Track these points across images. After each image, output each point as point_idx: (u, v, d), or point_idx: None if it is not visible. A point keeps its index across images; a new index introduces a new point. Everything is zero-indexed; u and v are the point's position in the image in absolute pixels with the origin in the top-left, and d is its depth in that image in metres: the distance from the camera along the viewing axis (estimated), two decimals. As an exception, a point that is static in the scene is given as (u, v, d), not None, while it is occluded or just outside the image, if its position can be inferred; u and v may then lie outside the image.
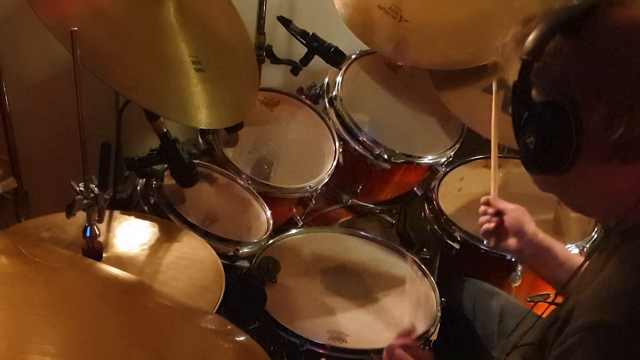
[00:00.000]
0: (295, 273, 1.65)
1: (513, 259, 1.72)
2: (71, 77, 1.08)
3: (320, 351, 1.44)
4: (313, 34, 1.97)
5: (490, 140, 1.58)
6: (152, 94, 1.47)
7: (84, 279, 0.92)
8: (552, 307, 1.12)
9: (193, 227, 1.51)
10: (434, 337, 1.55)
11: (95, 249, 1.24)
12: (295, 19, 2.02)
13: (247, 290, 1.50)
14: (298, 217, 1.92)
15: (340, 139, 1.95)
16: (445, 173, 1.99)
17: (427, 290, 1.66)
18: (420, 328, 1.50)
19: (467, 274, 1.74)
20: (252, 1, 2.06)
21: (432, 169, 2.04)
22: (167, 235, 1.41)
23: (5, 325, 0.72)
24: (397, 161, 1.97)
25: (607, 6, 0.90)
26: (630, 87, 0.87)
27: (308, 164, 1.90)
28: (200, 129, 1.81)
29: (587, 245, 1.76)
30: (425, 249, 1.99)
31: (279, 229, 1.81)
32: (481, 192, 1.94)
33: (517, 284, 1.73)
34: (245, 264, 1.58)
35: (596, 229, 1.80)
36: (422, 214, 1.95)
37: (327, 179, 1.87)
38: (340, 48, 1.94)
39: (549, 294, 1.44)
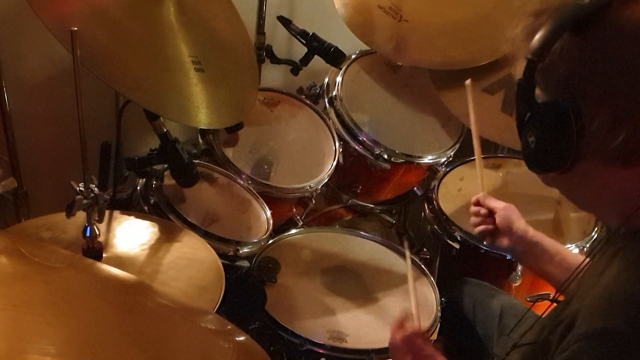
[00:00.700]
0: (295, 273, 1.65)
1: (513, 259, 1.72)
2: (71, 77, 1.08)
3: (320, 351, 1.44)
4: (313, 34, 1.97)
5: (489, 140, 1.58)
6: (152, 94, 1.47)
7: (84, 279, 0.92)
8: (552, 306, 1.12)
9: (193, 227, 1.51)
10: (434, 337, 1.55)
11: (95, 249, 1.24)
12: (295, 19, 2.02)
13: (247, 290, 1.50)
14: (298, 217, 1.92)
15: (340, 139, 1.95)
16: (445, 173, 1.99)
17: (427, 290, 1.66)
18: (422, 325, 1.50)
19: (467, 274, 1.74)
20: (252, 1, 2.06)
21: (432, 169, 2.04)
22: (167, 235, 1.40)
23: (5, 325, 0.72)
24: (397, 161, 1.97)
25: (620, 5, 0.88)
26: (635, 93, 0.86)
27: (308, 164, 1.90)
28: (200, 129, 1.81)
29: (587, 245, 1.76)
30: (425, 249, 1.99)
31: (279, 229, 1.81)
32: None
33: (517, 284, 1.73)
34: (245, 264, 1.58)
35: (596, 229, 1.80)
36: (422, 214, 1.95)
37: (327, 179, 1.87)
38: (340, 48, 1.94)
39: (549, 294, 1.44)
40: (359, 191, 2.07)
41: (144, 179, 1.60)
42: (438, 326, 1.57)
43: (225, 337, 0.95)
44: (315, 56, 1.97)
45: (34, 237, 1.29)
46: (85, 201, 1.18)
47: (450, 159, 2.05)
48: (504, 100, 1.91)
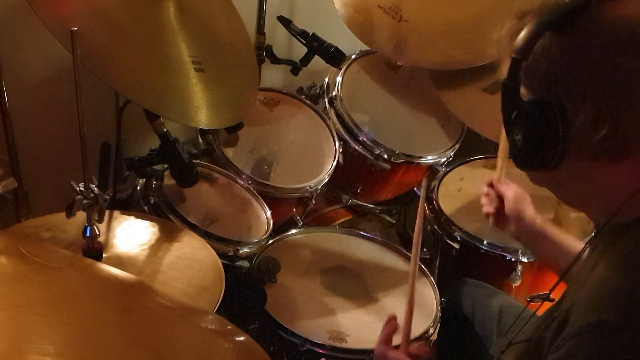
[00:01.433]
0: (295, 273, 1.65)
1: (513, 259, 1.72)
2: (71, 77, 1.08)
3: (320, 351, 1.44)
4: (313, 34, 1.97)
5: (489, 140, 1.57)
6: (152, 94, 1.47)
7: (84, 279, 0.92)
8: (547, 304, 1.12)
9: (193, 227, 1.51)
10: (434, 337, 1.55)
11: (95, 249, 1.24)
12: (295, 19, 2.02)
13: (247, 290, 1.50)
14: (298, 217, 1.92)
15: (340, 139, 1.95)
16: (445, 173, 1.99)
17: (427, 290, 1.66)
18: (421, 327, 1.50)
19: (467, 274, 1.74)
20: (252, 1, 2.06)
21: (432, 169, 2.04)
22: (167, 235, 1.40)
23: (5, 325, 0.72)
24: (397, 161, 1.97)
25: (599, 4, 0.88)
26: (616, 88, 0.86)
27: (308, 164, 1.90)
28: (200, 129, 1.81)
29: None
30: (425, 249, 1.99)
31: (279, 229, 1.81)
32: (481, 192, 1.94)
33: (517, 284, 1.73)
34: (245, 264, 1.58)
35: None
36: (422, 214, 1.95)
37: (327, 179, 1.87)
38: (340, 48, 1.94)
39: (549, 294, 1.44)
40: (359, 191, 2.07)
41: (144, 179, 1.60)
42: (438, 326, 1.57)
43: (225, 337, 0.95)
44: (315, 56, 1.97)
45: (34, 237, 1.29)
46: (85, 201, 1.18)
47: (450, 159, 2.05)
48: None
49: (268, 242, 1.68)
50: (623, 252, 0.92)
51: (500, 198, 1.42)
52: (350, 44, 2.06)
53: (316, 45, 1.95)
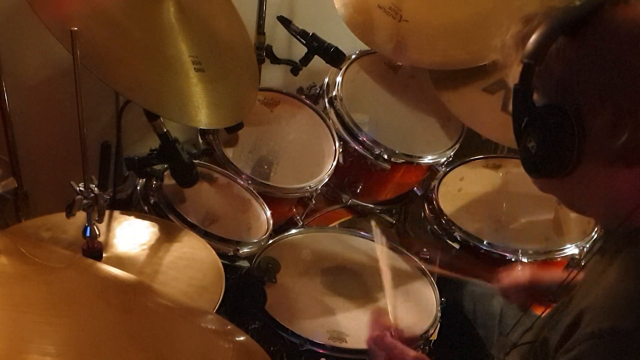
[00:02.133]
0: (295, 273, 1.65)
1: (513, 259, 1.72)
2: (71, 77, 1.08)
3: (320, 351, 1.44)
4: (313, 34, 1.97)
5: (489, 140, 1.57)
6: (152, 94, 1.46)
7: (84, 279, 0.92)
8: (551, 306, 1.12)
9: (193, 227, 1.51)
10: (434, 337, 1.55)
11: (95, 249, 1.24)
12: (295, 19, 2.02)
13: (247, 290, 1.50)
14: (298, 217, 1.92)
15: (340, 139, 1.95)
16: (445, 173, 1.99)
17: (427, 290, 1.66)
18: (421, 327, 1.50)
19: (467, 274, 1.74)
20: (252, 1, 2.06)
21: (432, 169, 2.04)
22: (167, 235, 1.40)
23: (5, 325, 0.72)
24: (397, 161, 1.97)
25: (612, 6, 0.88)
26: (635, 92, 0.85)
27: (308, 164, 1.90)
28: (200, 129, 1.81)
29: (587, 245, 1.76)
30: (425, 249, 1.99)
31: (279, 229, 1.81)
32: (481, 192, 1.95)
33: (517, 284, 1.73)
34: (245, 264, 1.58)
35: (596, 229, 1.80)
36: (422, 214, 1.95)
37: (327, 179, 1.87)
38: (340, 48, 1.94)
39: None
40: (359, 191, 2.07)
41: (144, 179, 1.60)
42: (438, 326, 1.57)
43: (225, 337, 0.95)
44: (315, 56, 1.97)
45: (34, 237, 1.29)
46: (85, 201, 1.18)
47: (450, 159, 2.05)
48: (504, 100, 1.91)
49: (268, 242, 1.68)
50: (636, 259, 0.90)
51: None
52: (350, 44, 2.06)
53: (316, 45, 1.95)
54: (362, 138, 1.96)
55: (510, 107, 0.96)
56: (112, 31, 1.43)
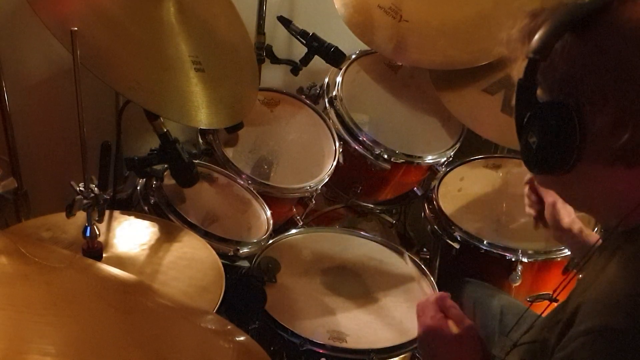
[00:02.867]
0: (295, 273, 1.65)
1: (513, 259, 1.72)
2: (71, 77, 1.08)
3: (320, 351, 1.44)
4: (313, 34, 1.97)
5: (489, 140, 1.56)
6: (152, 94, 1.46)
7: (84, 279, 0.92)
8: (552, 306, 1.12)
9: (193, 227, 1.51)
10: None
11: (95, 249, 1.24)
12: (295, 19, 2.02)
13: (247, 290, 1.50)
14: (298, 217, 1.92)
15: (340, 139, 1.95)
16: (445, 173, 1.99)
17: (427, 290, 1.66)
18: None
19: (467, 274, 1.74)
20: (252, 1, 2.06)
21: (432, 169, 2.04)
22: (167, 235, 1.40)
23: (5, 325, 0.72)
24: (397, 161, 1.97)
25: (620, 4, 0.87)
26: (638, 92, 0.84)
27: (308, 164, 1.90)
28: (200, 129, 1.81)
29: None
30: (425, 249, 1.99)
31: (279, 229, 1.81)
32: (481, 192, 1.95)
33: (517, 284, 1.73)
34: (245, 264, 1.58)
35: (596, 229, 1.80)
36: (422, 214, 1.95)
37: (327, 179, 1.87)
38: (340, 48, 1.95)
39: (550, 294, 1.44)
40: (359, 191, 2.07)
41: (144, 179, 1.60)
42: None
43: (225, 337, 0.95)
44: (315, 56, 1.97)
45: (34, 237, 1.29)
46: (85, 201, 1.18)
47: (450, 159, 2.05)
48: (504, 100, 1.91)
49: (268, 242, 1.68)
50: (633, 257, 0.90)
51: (541, 201, 1.40)
52: (350, 44, 2.06)
53: (316, 45, 1.95)
54: (362, 138, 1.96)
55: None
56: (112, 31, 1.43)
